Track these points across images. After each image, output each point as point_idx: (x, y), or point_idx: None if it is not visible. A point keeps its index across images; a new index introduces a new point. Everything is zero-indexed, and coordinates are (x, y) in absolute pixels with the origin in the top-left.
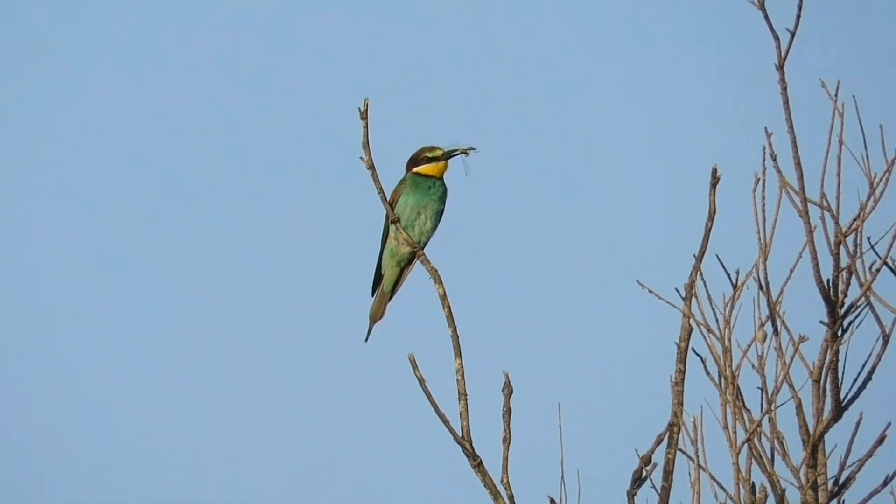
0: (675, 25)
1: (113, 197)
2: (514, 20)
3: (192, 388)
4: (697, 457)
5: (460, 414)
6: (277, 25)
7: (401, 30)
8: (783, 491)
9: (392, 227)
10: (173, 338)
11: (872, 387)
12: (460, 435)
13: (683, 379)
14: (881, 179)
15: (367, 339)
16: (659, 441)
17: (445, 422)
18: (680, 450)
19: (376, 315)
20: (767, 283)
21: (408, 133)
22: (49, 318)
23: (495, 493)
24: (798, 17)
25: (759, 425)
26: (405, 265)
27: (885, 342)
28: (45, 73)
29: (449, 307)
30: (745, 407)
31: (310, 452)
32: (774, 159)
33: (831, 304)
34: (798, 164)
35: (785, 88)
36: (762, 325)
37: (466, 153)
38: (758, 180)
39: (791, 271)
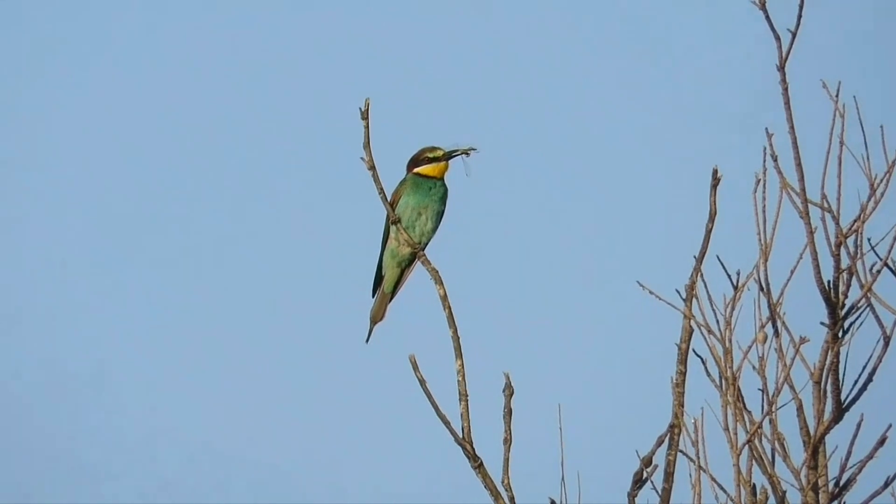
0: (675, 26)
1: (113, 197)
2: (514, 20)
3: (192, 388)
4: (698, 458)
5: (461, 415)
6: (277, 25)
7: (401, 30)
8: (784, 492)
9: (393, 228)
10: (173, 338)
11: (873, 388)
12: (461, 436)
13: (684, 380)
14: (882, 180)
15: (367, 341)
16: (660, 442)
17: (446, 423)
18: (681, 451)
19: (377, 316)
20: (768, 285)
21: (409, 133)
22: (49, 319)
23: (496, 494)
24: (799, 17)
25: (760, 427)
26: (406, 266)
27: (886, 343)
28: (46, 73)
29: (450, 308)
30: (745, 408)
31: (310, 453)
32: (775, 160)
33: (832, 305)
34: (799, 165)
35: (786, 89)
36: (763, 326)
37: (467, 153)
38: (758, 181)
39: (792, 272)
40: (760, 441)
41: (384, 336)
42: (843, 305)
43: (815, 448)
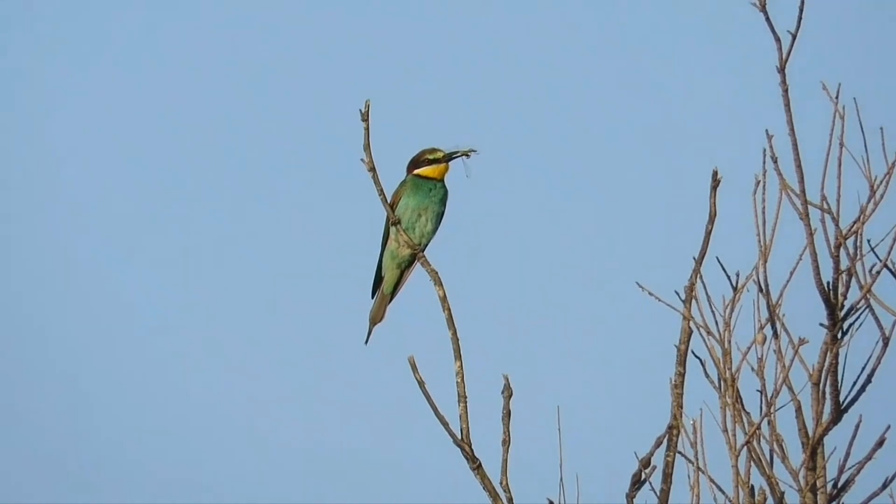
0: (675, 27)
1: (113, 196)
2: (513, 21)
3: (191, 388)
4: (697, 459)
5: (460, 416)
6: (277, 25)
7: (401, 31)
8: (782, 494)
9: (393, 229)
10: (172, 338)
11: (872, 389)
12: (460, 437)
13: (683, 381)
14: (881, 182)
15: (367, 342)
16: (658, 443)
17: (445, 424)
18: (679, 452)
19: (376, 317)
20: (767, 286)
21: (409, 135)
22: (49, 318)
23: (494, 496)
24: (799, 19)
25: (759, 428)
26: (405, 267)
27: (885, 345)
28: (45, 73)
29: (449, 309)
30: (744, 409)
31: (309, 454)
32: (775, 161)
33: (831, 306)
34: (799, 167)
35: (786, 90)
36: (762, 327)
37: (467, 155)
38: (758, 182)
39: (791, 274)
40: (759, 442)
41: (383, 337)
42: (843, 307)
43: (813, 449)
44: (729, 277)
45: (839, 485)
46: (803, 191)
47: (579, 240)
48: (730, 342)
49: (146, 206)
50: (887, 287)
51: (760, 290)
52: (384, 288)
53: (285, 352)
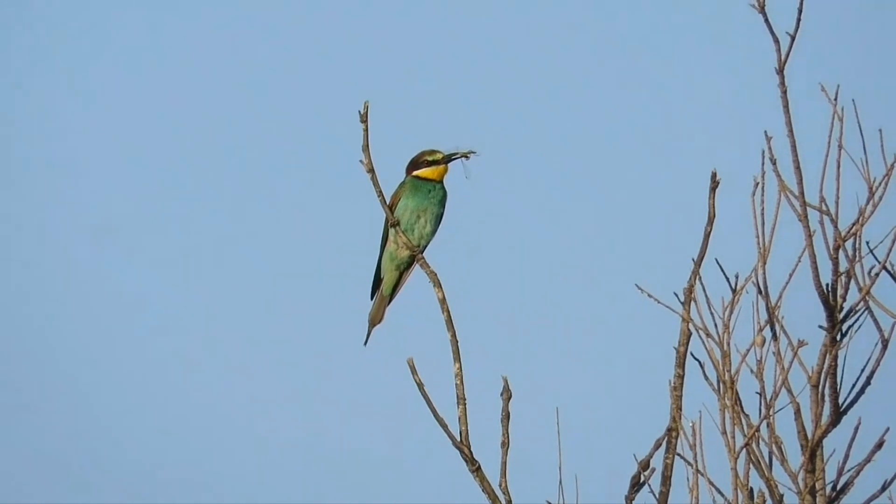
0: (674, 28)
1: (113, 196)
2: (513, 22)
3: (191, 388)
4: (696, 461)
5: (459, 418)
6: (278, 26)
7: (401, 32)
8: (781, 496)
9: (392, 231)
10: (172, 338)
11: (871, 392)
12: (459, 439)
13: (682, 384)
14: (880, 184)
15: (366, 343)
16: (657, 446)
17: (444, 426)
18: (678, 454)
19: (375, 319)
20: (766, 288)
21: (408, 136)
22: (48, 318)
23: (494, 498)
24: (798, 20)
25: (758, 430)
26: (404, 269)
27: (884, 347)
28: (45, 73)
29: (448, 311)
30: (743, 412)
31: (308, 454)
32: (774, 163)
33: (830, 308)
34: (797, 168)
35: (785, 92)
36: (761, 329)
37: (466, 157)
38: (757, 184)
39: (790, 276)
40: (758, 444)
41: (383, 339)
42: (842, 309)
43: (812, 451)
44: (728, 279)
45: (838, 487)
46: (802, 192)
47: (578, 241)
48: (729, 344)
49: (146, 206)
50: (886, 289)
51: (759, 291)
52: (383, 289)
53: (285, 352)
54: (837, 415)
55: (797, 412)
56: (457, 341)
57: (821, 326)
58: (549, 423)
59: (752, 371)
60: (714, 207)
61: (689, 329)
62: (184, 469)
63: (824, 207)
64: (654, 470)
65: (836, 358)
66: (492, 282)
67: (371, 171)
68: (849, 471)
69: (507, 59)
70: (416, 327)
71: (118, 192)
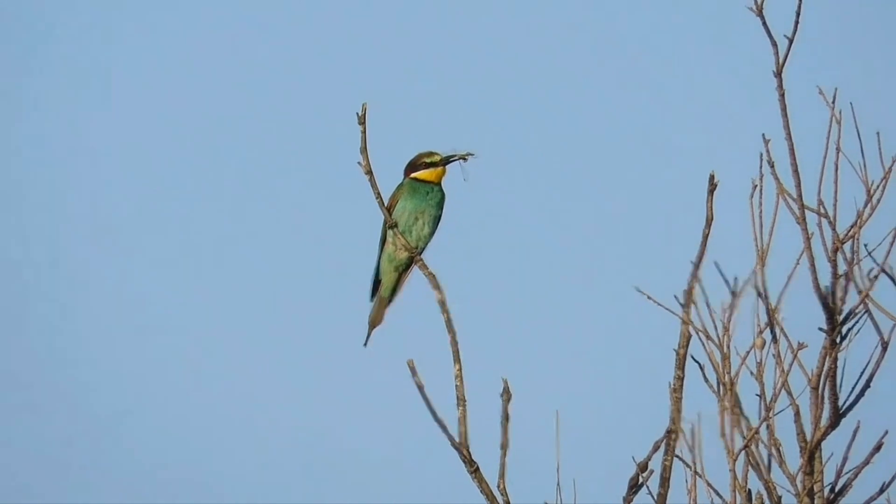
0: (671, 32)
1: (112, 196)
2: (512, 23)
3: (190, 389)
4: (694, 463)
5: (458, 419)
6: (278, 26)
7: (401, 33)
8: (780, 498)
9: (390, 233)
10: (171, 339)
11: (870, 394)
12: (458, 441)
13: (682, 386)
14: (878, 186)
15: (365, 345)
16: (656, 447)
17: (443, 427)
18: (677, 456)
19: (375, 320)
20: (766, 290)
21: (407, 137)
22: (47, 318)
23: (492, 499)
24: (796, 23)
25: (757, 432)
26: (403, 270)
27: (884, 349)
28: (45, 73)
29: (447, 313)
30: (742, 414)
31: (308, 455)
32: (772, 166)
33: (829, 311)
34: (796, 171)
35: (783, 95)
36: (761, 332)
37: (465, 159)
38: (755, 187)
39: (789, 278)
40: (757, 446)
41: (382, 340)
42: (841, 311)
43: (811, 453)
44: (727, 282)
45: (837, 489)
46: (800, 195)
47: (577, 243)
48: (728, 346)
49: (146, 206)
50: (885, 291)
51: (759, 294)
52: (382, 291)
53: (285, 353)
54: (837, 417)
55: (797, 414)
56: (456, 343)
57: (820, 329)
58: (549, 424)
59: (751, 373)
60: (712, 210)
61: (688, 331)
62: (183, 469)
63: (822, 210)
64: (652, 472)
65: (835, 360)
66: (491, 283)
67: (369, 172)
68: (847, 473)
69: (506, 60)
70: (416, 329)
71: (118, 191)
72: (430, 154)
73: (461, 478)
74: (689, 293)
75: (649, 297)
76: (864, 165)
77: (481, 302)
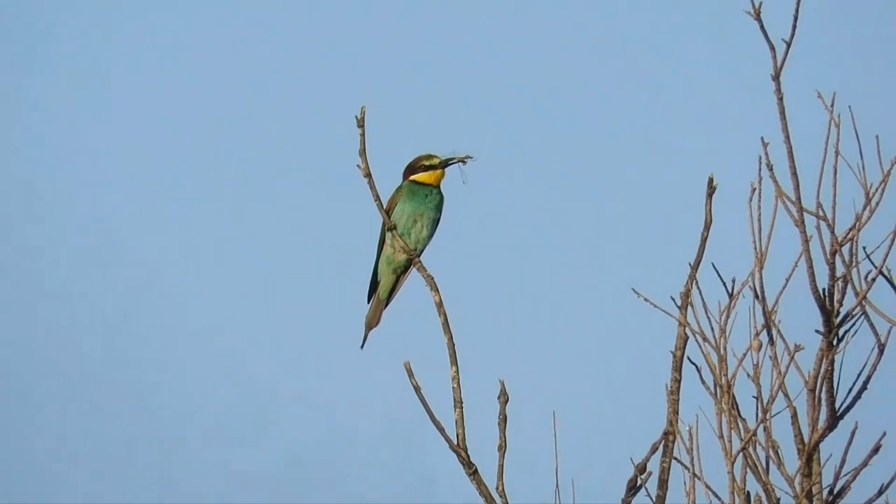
0: (672, 33)
1: (112, 196)
2: (512, 24)
3: (188, 390)
4: (692, 465)
5: (456, 422)
6: (278, 27)
7: (400, 34)
8: (778, 500)
9: (388, 235)
10: (170, 339)
11: (868, 396)
12: (456, 443)
13: (679, 388)
14: (877, 189)
15: (362, 346)
16: (654, 449)
17: (441, 429)
18: (675, 458)
19: (372, 322)
20: (763, 292)
21: (407, 137)
22: (47, 318)
23: (490, 501)
24: (794, 27)
25: (755, 434)
26: (401, 272)
27: (881, 351)
28: (45, 73)
29: (445, 315)
30: (740, 416)
31: (304, 456)
32: (771, 169)
33: (827, 313)
34: (794, 174)
35: (781, 98)
36: (758, 333)
37: (464, 161)
38: (754, 190)
39: (787, 280)
40: (755, 448)
41: (379, 342)
42: (838, 313)
43: (809, 456)
44: (725, 284)
45: (835, 491)
46: (799, 198)
47: (575, 245)
48: (726, 348)
49: (145, 206)
50: (883, 294)
51: (756, 296)
52: (380, 293)
53: (282, 354)
54: (834, 419)
55: (794, 416)
56: (454, 345)
57: (817, 331)
58: (546, 426)
59: (748, 375)
60: (711, 212)
61: (685, 333)
62: (183, 470)
63: (821, 213)
64: (650, 474)
65: (832, 362)
66: (489, 285)
67: (368, 175)
68: (845, 475)
69: (506, 60)
70: (413, 331)
71: (118, 191)
72: (430, 157)
73: (459, 480)
74: (686, 295)
75: (646, 300)
76: (863, 168)
77: (479, 304)
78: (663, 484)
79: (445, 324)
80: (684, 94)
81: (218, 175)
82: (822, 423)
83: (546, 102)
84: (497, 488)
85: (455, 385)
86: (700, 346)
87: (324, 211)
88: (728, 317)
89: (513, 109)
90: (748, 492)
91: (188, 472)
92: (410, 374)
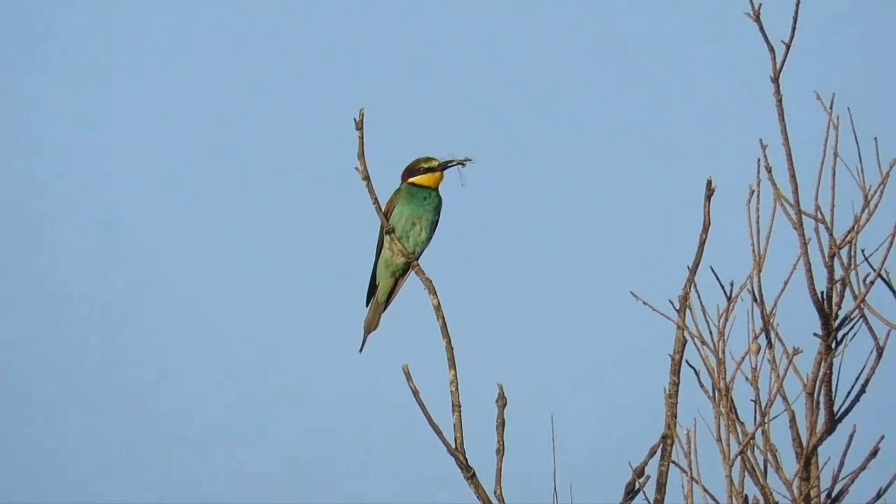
0: (670, 36)
1: (112, 196)
2: (512, 24)
3: (187, 390)
4: (691, 469)
5: (454, 425)
6: (278, 27)
7: (401, 33)
8: (776, 503)
9: (387, 238)
10: (170, 339)
11: (866, 399)
12: (454, 446)
13: (677, 391)
14: (875, 192)
15: (361, 350)
16: (652, 453)
17: (439, 433)
18: (673, 462)
19: (370, 325)
20: (761, 295)
21: (406, 138)
22: (45, 318)
23: None
24: (793, 29)
25: (753, 438)
26: (400, 275)
27: (879, 355)
28: (45, 73)
29: (443, 318)
30: (738, 419)
31: (302, 459)
32: (769, 171)
33: (825, 316)
34: (793, 177)
35: (780, 101)
36: (756, 337)
37: (462, 164)
38: (752, 192)
39: (785, 283)
40: (753, 452)
41: (378, 346)
42: (837, 316)
43: (807, 459)
44: (723, 287)
45: (833, 495)
46: (797, 200)
47: (573, 248)
48: (724, 352)
49: (146, 206)
50: (881, 297)
51: (755, 299)
52: (378, 296)
53: (280, 357)
54: (832, 422)
55: (792, 420)
56: (452, 348)
57: (816, 334)
58: (544, 430)
59: (747, 378)
60: (709, 215)
61: (684, 336)
62: (183, 470)
63: (819, 215)
64: (648, 477)
65: (830, 366)
66: (487, 289)
67: (366, 178)
68: (844, 478)
69: (506, 61)
70: (412, 334)
71: (118, 191)
72: (428, 159)
73: (458, 483)
74: (684, 298)
75: (644, 303)
76: (862, 171)
77: (477, 307)
78: (661, 488)
79: (444, 327)
80: (683, 96)
81: (218, 175)
82: (820, 427)
83: (546, 103)
84: (495, 492)
85: (453, 389)
86: (698, 350)
87: (323, 213)
88: (726, 320)
89: (512, 110)
90: (746, 495)
91: (188, 472)
92: (409, 377)
